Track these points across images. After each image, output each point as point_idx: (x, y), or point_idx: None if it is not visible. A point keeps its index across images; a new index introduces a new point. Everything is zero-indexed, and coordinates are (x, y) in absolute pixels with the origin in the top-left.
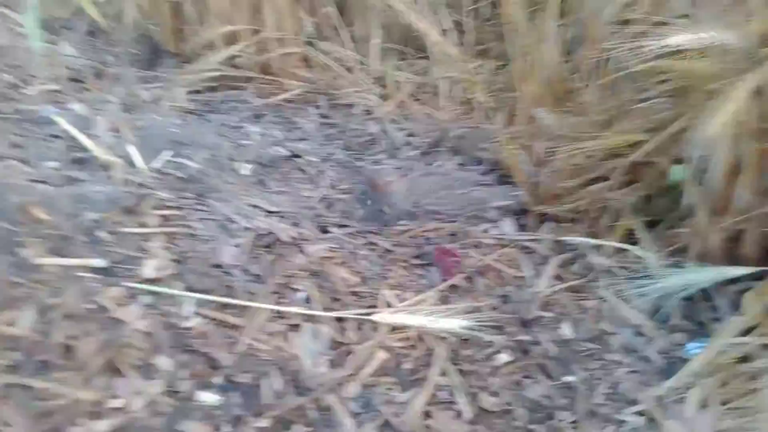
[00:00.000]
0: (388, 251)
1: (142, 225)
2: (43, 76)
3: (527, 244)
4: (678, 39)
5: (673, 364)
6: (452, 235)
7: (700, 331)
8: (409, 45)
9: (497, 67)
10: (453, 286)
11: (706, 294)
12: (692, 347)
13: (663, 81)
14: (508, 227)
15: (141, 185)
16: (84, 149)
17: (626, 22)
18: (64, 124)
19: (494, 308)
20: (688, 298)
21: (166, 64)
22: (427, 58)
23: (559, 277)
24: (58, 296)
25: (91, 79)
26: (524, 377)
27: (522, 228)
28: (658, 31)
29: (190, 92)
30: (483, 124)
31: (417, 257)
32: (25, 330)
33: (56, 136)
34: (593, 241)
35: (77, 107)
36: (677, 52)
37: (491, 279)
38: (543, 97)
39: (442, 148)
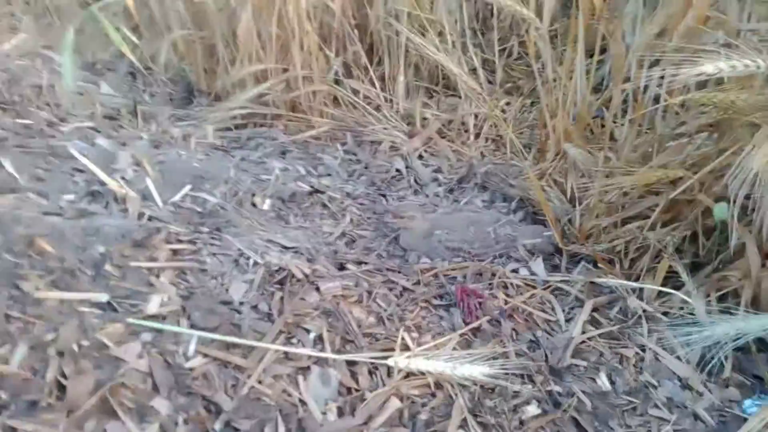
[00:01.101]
0: (408, 290)
1: (152, 259)
2: (81, 114)
3: (559, 285)
4: (714, 66)
5: (726, 423)
6: (478, 275)
7: (758, 386)
8: (437, 83)
9: (527, 105)
10: (476, 330)
11: (762, 344)
12: (750, 404)
13: (703, 113)
14: (538, 267)
15: (155, 219)
16: (102, 183)
17: (659, 54)
18: (81, 157)
19: (522, 354)
20: (742, 349)
21: (199, 102)
22: (455, 95)
23: (594, 322)
24: (54, 332)
25: (126, 117)
26: None
27: (554, 269)
28: (693, 60)
29: (219, 129)
30: (512, 161)
31: (438, 297)
32: (15, 367)
33: (80, 171)
34: (632, 284)
35: (103, 142)
36: (716, 83)
37: (519, 322)
38: (573, 133)
39: (469, 184)
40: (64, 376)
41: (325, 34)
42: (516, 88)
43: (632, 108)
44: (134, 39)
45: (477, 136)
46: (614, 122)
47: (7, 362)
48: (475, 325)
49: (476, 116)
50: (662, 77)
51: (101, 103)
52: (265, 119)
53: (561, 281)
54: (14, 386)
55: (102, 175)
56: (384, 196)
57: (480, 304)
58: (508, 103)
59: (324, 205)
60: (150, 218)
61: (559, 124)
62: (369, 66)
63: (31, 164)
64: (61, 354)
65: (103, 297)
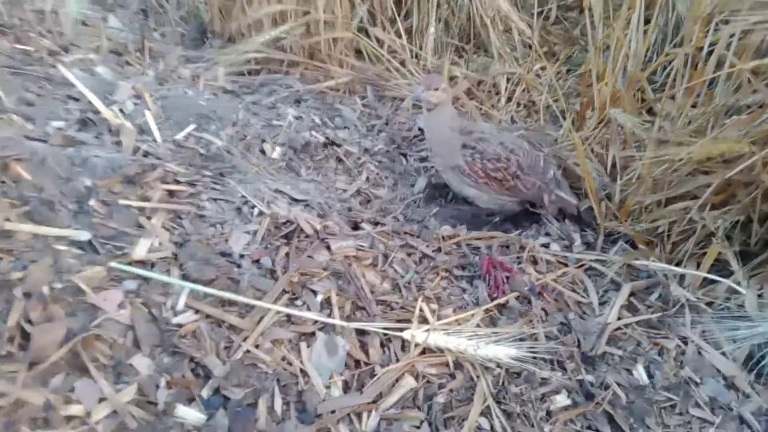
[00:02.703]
0: (428, 257)
1: (144, 198)
2: (85, 46)
3: (594, 265)
4: None
5: None
6: (505, 247)
7: None
8: (467, 41)
9: (562, 72)
10: (503, 306)
11: None
12: None
13: None
14: (574, 241)
15: (151, 155)
16: (96, 111)
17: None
18: (75, 81)
19: (552, 337)
20: None
21: (212, 44)
22: (486, 55)
23: (632, 308)
24: (23, 270)
25: (133, 54)
26: (586, 428)
27: (588, 246)
28: None
29: (231, 73)
30: (546, 128)
31: (461, 267)
32: None
33: (74, 99)
34: (675, 269)
35: (103, 72)
36: None
37: (549, 302)
38: (621, 98)
39: None
40: (29, 321)
41: None
42: (551, 53)
43: (689, 75)
44: None
45: (508, 99)
46: (669, 88)
47: None
48: (501, 300)
49: (508, 79)
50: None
51: (108, 36)
52: (280, 66)
53: (595, 260)
54: None
55: (97, 102)
56: (405, 155)
57: (507, 278)
58: (543, 68)
59: (339, 160)
60: (146, 154)
61: (605, 88)
62: (396, 17)
63: (21, 87)
64: (28, 296)
65: (84, 235)
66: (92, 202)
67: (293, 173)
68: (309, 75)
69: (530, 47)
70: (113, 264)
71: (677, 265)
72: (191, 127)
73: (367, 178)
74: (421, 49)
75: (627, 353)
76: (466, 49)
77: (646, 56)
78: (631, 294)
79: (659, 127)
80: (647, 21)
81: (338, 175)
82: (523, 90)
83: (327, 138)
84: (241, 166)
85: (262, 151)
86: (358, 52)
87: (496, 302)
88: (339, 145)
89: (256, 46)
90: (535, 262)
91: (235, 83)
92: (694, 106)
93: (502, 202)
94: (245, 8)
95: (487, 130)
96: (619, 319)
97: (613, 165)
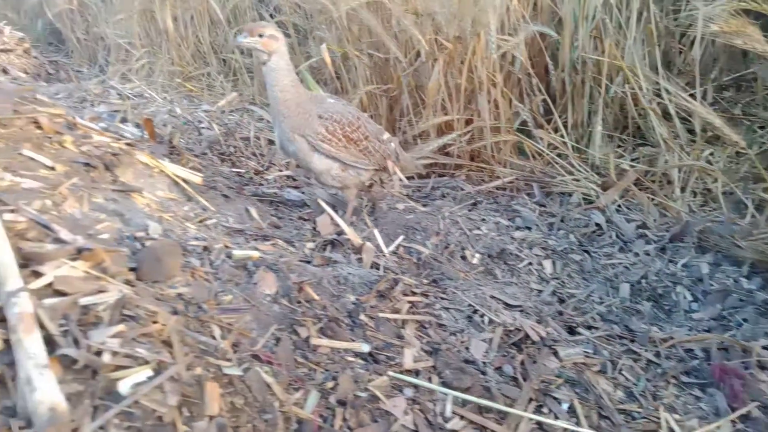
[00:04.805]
0: (653, 363)
1: (395, 311)
2: (278, 163)
3: None
4: None
5: None
6: (723, 349)
7: None
8: (621, 131)
9: (732, 155)
10: (745, 417)
11: None
12: None
13: None
14: None
15: (387, 269)
16: (339, 232)
17: None
18: (327, 208)
19: None
20: None
21: None
22: (645, 143)
23: None
24: (333, 380)
25: None
26: None
27: None
28: None
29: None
30: (734, 219)
31: (686, 374)
32: (310, 413)
33: (303, 219)
34: None
35: (320, 192)
36: None
37: None
38: None
39: (684, 243)
40: (349, 427)
41: (506, 83)
42: (716, 137)
43: None
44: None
45: (682, 189)
46: None
47: (302, 407)
48: (743, 411)
49: (680, 168)
50: None
51: None
52: (445, 169)
53: None
54: None
55: (344, 226)
56: (587, 251)
57: (743, 385)
58: (711, 154)
59: (528, 261)
60: (385, 269)
61: None
62: (554, 112)
63: (266, 212)
64: (342, 403)
65: (365, 347)
66: (362, 317)
67: (491, 276)
68: (474, 176)
69: (691, 132)
70: (391, 373)
71: None
72: (401, 238)
73: (558, 278)
74: (577, 142)
75: None
76: (623, 138)
77: None
78: None
79: None
80: None
81: (530, 276)
82: (697, 178)
83: (516, 241)
84: (449, 273)
85: (463, 257)
86: (520, 151)
87: (738, 413)
88: (530, 248)
89: (425, 153)
90: (761, 366)
91: (408, 187)
92: None
93: (348, 176)
94: (412, 121)
95: (334, 100)
96: None
97: None
